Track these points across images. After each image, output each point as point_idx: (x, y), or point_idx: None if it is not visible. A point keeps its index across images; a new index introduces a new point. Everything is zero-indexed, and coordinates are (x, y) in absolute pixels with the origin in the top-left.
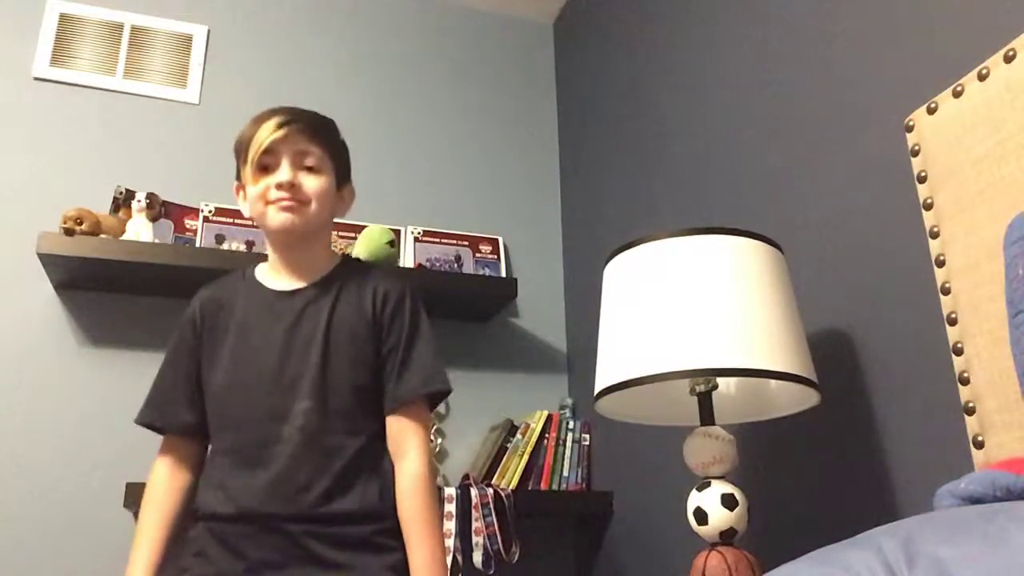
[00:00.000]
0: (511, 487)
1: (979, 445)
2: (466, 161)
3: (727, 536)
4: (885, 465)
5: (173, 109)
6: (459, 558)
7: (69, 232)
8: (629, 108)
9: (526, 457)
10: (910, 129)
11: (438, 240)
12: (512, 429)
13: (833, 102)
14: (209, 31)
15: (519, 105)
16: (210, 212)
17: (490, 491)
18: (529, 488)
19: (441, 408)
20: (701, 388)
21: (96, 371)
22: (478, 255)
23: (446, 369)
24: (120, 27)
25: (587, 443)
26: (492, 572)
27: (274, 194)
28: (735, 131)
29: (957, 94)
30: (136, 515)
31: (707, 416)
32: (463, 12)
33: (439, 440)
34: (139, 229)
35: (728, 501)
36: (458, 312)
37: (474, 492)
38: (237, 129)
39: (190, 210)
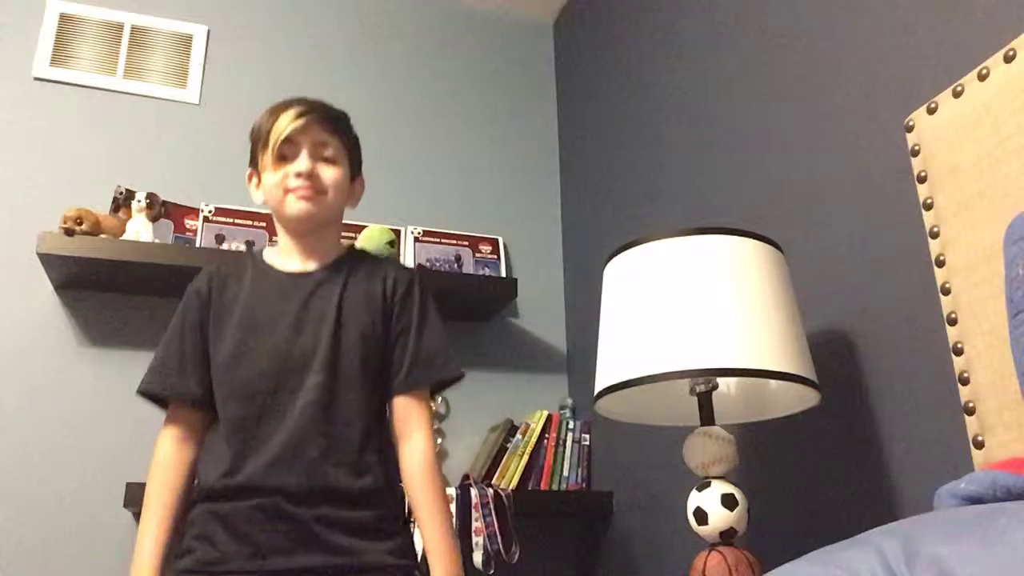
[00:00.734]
0: (511, 487)
1: (979, 445)
2: (466, 161)
3: (727, 536)
4: (885, 465)
5: (173, 109)
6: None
7: (69, 232)
8: (629, 108)
9: (526, 457)
10: (910, 129)
11: (438, 240)
12: (512, 429)
13: (833, 102)
14: (209, 31)
15: (519, 105)
16: (210, 212)
17: (490, 491)
18: (529, 488)
19: (441, 408)
20: (701, 388)
21: (96, 371)
22: (478, 255)
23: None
24: (120, 27)
25: (587, 443)
26: (492, 572)
27: (293, 182)
28: (735, 131)
29: (957, 94)
30: (136, 515)
31: (707, 416)
32: (463, 12)
33: (439, 440)
34: (139, 229)
35: (728, 501)
36: (458, 312)
37: (474, 492)
38: (237, 129)
39: (190, 210)
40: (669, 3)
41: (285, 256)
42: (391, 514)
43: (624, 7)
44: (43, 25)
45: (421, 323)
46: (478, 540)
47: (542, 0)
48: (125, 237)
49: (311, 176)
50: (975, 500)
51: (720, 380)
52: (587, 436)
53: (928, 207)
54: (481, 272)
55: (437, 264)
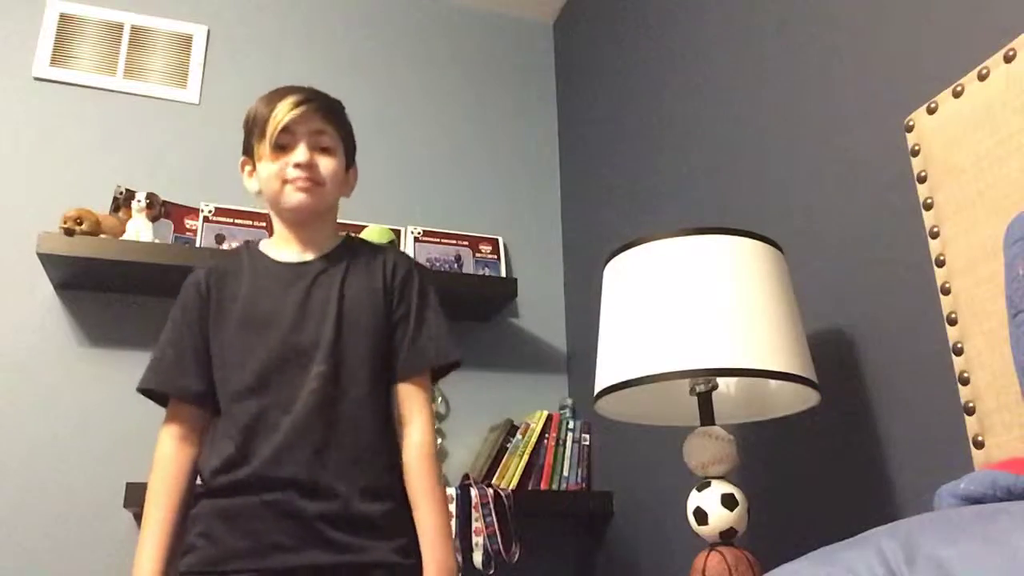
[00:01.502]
0: (511, 487)
1: (979, 445)
2: (466, 161)
3: (727, 536)
4: (885, 465)
5: (173, 109)
6: (459, 558)
7: (69, 232)
8: (629, 108)
9: (526, 457)
10: (910, 129)
11: (438, 240)
12: (512, 429)
13: (833, 102)
14: (209, 31)
15: (519, 105)
16: (210, 212)
17: (490, 491)
18: (529, 488)
19: (441, 408)
20: (701, 388)
21: (96, 371)
22: (478, 255)
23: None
24: (120, 27)
25: (587, 443)
26: (492, 572)
27: (292, 173)
28: (735, 131)
29: (957, 94)
30: (136, 516)
31: (707, 416)
32: (463, 12)
33: (439, 440)
34: (139, 229)
35: (728, 501)
36: (458, 312)
37: (474, 492)
38: (237, 129)
39: (190, 210)
40: (669, 3)
41: (283, 247)
42: (399, 508)
43: (624, 7)
44: (43, 25)
45: (421, 308)
46: (478, 540)
47: (542, 0)
48: (125, 237)
49: (310, 167)
50: (975, 500)
51: (720, 380)
52: (587, 436)
53: (928, 207)
54: (481, 272)
55: (437, 264)
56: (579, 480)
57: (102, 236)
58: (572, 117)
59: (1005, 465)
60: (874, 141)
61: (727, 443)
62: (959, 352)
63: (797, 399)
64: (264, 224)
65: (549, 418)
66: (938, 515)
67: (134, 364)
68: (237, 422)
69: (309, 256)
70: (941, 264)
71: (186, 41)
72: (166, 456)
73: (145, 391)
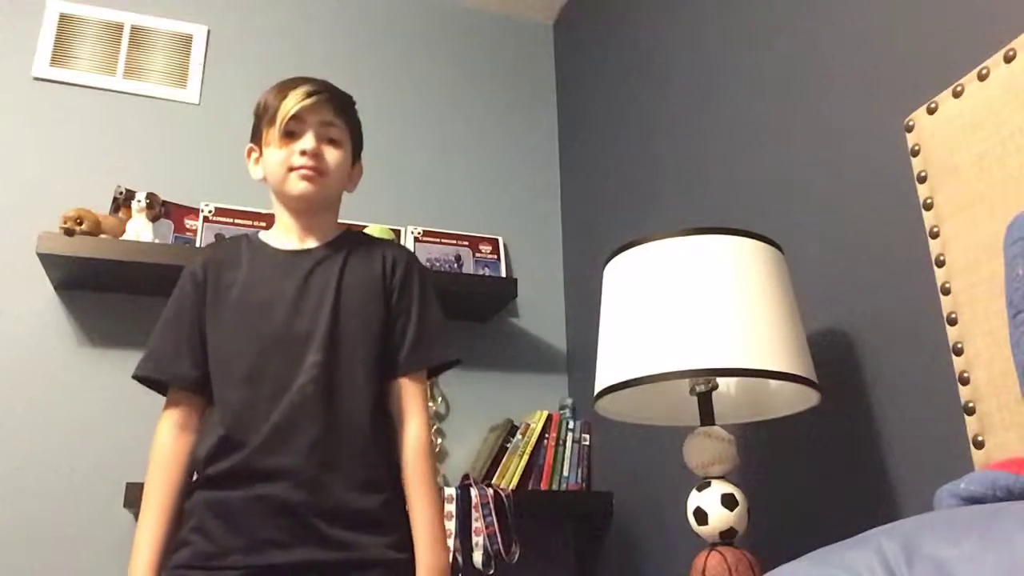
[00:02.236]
0: (511, 487)
1: (979, 445)
2: (466, 161)
3: (727, 536)
4: (885, 465)
5: (173, 109)
6: (459, 558)
7: (69, 232)
8: (629, 108)
9: (526, 457)
10: (910, 129)
11: (438, 240)
12: (512, 429)
13: (833, 102)
14: (209, 31)
15: (519, 105)
16: (210, 212)
17: (490, 491)
18: (529, 488)
19: (441, 408)
20: (701, 388)
21: (96, 371)
22: (478, 255)
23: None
24: (120, 27)
25: (587, 443)
26: (492, 572)
27: (298, 160)
28: (735, 131)
29: (957, 94)
30: (136, 515)
31: (707, 416)
32: (463, 12)
33: (439, 440)
34: (139, 229)
35: (728, 501)
36: (458, 312)
37: (474, 492)
38: (237, 129)
39: (190, 210)
40: (669, 3)
41: (283, 234)
42: (394, 502)
43: (624, 7)
44: (43, 25)
45: (420, 305)
46: (478, 540)
47: (542, 0)
48: (125, 237)
49: (316, 156)
50: (975, 500)
51: (720, 380)
52: (587, 436)
53: (928, 207)
54: (481, 272)
55: (437, 264)
56: (579, 480)
57: (102, 236)
58: (572, 117)
59: (1005, 465)
60: (874, 141)
61: (727, 443)
62: (959, 352)
63: (797, 399)
64: (264, 224)
65: (549, 418)
66: (938, 515)
67: (134, 364)
68: (229, 409)
69: (310, 243)
70: (941, 264)
71: (186, 41)
72: (164, 446)
73: (142, 378)
